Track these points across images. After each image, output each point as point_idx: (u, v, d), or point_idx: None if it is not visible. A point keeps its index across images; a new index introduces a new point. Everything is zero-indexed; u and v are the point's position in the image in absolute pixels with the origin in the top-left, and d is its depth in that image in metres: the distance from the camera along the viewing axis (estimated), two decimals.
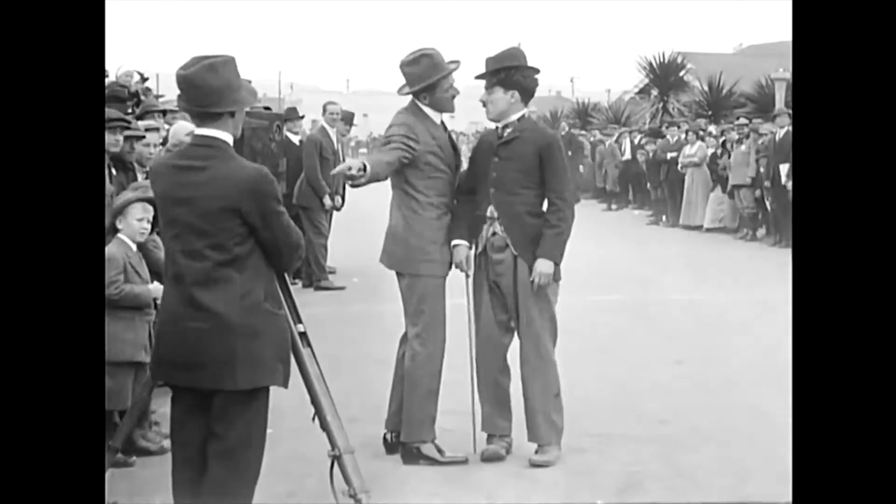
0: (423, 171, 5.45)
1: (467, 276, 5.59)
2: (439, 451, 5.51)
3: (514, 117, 5.53)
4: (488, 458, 5.53)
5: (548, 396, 5.51)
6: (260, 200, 3.67)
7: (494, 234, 5.52)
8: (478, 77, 5.59)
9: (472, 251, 5.56)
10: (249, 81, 4.14)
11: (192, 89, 3.73)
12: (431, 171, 5.46)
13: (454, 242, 5.55)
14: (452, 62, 5.57)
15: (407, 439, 5.49)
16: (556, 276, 5.49)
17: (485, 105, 5.58)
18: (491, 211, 5.51)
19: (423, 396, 5.46)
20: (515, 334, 5.63)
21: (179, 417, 3.92)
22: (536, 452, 5.51)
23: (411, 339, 5.51)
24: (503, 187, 5.49)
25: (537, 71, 5.60)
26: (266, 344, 3.71)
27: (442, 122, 5.62)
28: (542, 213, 5.49)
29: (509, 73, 5.48)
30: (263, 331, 3.71)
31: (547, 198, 5.50)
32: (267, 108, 9.34)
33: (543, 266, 5.40)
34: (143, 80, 13.35)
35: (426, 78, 5.47)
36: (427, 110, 5.55)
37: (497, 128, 5.60)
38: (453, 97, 5.58)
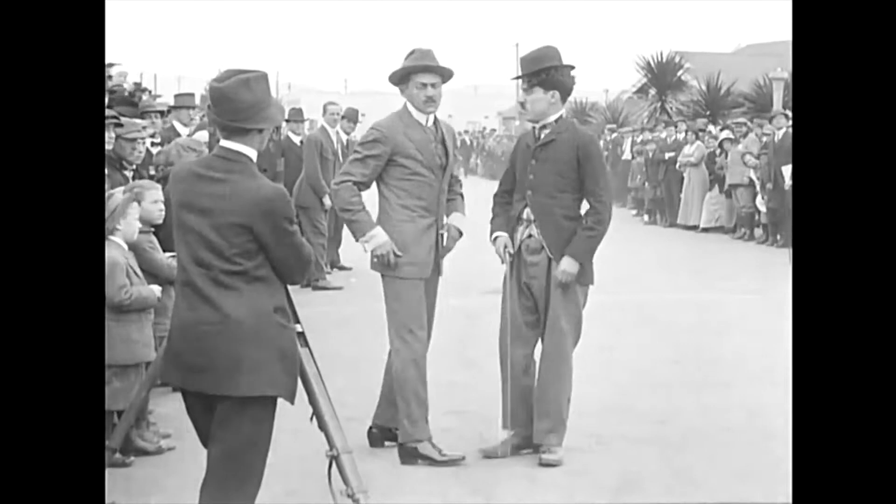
0: (397, 173, 5.46)
1: (503, 262, 5.57)
2: (437, 450, 5.51)
3: (552, 118, 5.50)
4: (487, 455, 5.55)
5: (562, 399, 5.51)
6: (274, 221, 3.67)
7: (530, 235, 5.53)
8: (515, 78, 5.60)
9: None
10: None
11: (224, 102, 3.70)
12: (407, 173, 5.45)
13: (494, 234, 5.60)
14: (445, 67, 5.51)
15: (404, 440, 5.50)
16: (586, 280, 5.51)
17: (523, 106, 5.57)
18: (527, 213, 5.52)
19: (411, 396, 5.46)
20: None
21: (201, 423, 3.89)
22: (544, 452, 5.50)
23: (391, 338, 5.54)
24: (540, 190, 5.49)
25: (573, 69, 5.58)
26: (272, 353, 3.70)
27: (435, 123, 5.58)
28: (579, 217, 5.48)
29: (549, 73, 5.44)
30: (271, 340, 3.70)
31: (586, 200, 5.48)
32: None
33: (568, 264, 5.41)
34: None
35: (404, 68, 5.49)
36: (412, 110, 5.54)
37: (534, 129, 5.57)
38: (427, 99, 5.47)
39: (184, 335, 3.76)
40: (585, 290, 5.56)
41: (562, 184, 5.45)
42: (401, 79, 5.51)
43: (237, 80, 3.69)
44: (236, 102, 3.68)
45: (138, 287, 5.39)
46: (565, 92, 5.51)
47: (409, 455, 5.48)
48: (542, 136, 5.51)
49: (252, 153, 3.75)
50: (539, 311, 5.56)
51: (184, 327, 3.76)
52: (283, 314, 3.78)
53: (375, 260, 5.49)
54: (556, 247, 5.45)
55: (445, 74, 5.53)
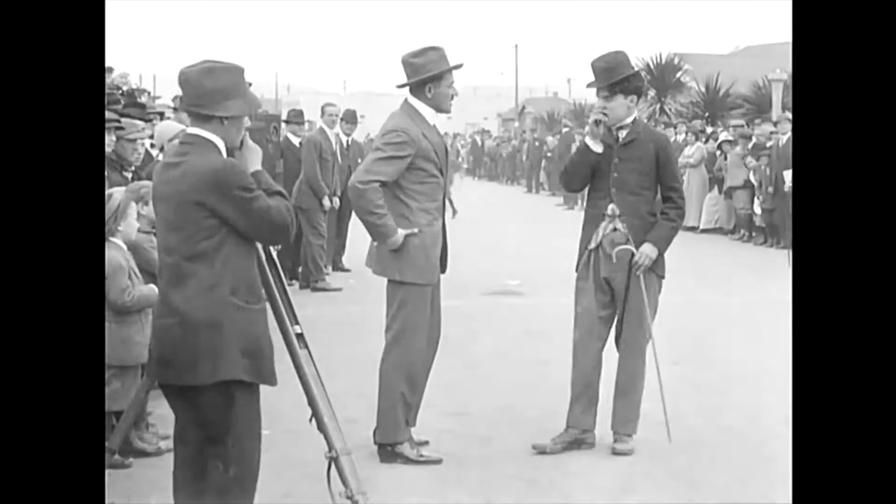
0: (416, 176, 5.40)
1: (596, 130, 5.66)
2: (415, 450, 5.51)
3: (629, 120, 5.71)
4: (539, 450, 5.67)
5: (641, 390, 5.79)
6: (225, 192, 3.67)
7: (615, 229, 5.67)
8: (591, 85, 5.73)
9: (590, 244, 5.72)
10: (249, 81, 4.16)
11: (187, 87, 3.79)
12: (425, 176, 5.42)
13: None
14: (456, 65, 5.55)
15: (382, 440, 5.50)
16: (662, 271, 5.74)
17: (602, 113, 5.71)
18: (612, 209, 5.68)
19: (396, 400, 5.45)
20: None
21: (177, 415, 3.94)
22: (617, 441, 5.71)
23: (387, 343, 5.52)
24: (625, 187, 5.67)
25: (641, 71, 5.84)
26: (229, 337, 3.69)
27: (433, 125, 5.57)
28: (656, 212, 5.73)
29: (629, 80, 5.69)
30: (227, 324, 3.70)
31: (665, 195, 5.75)
32: (264, 111, 9.33)
33: (650, 249, 5.62)
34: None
35: (434, 69, 5.43)
36: (423, 110, 5.48)
37: (611, 130, 5.70)
38: (452, 97, 5.55)
39: (155, 329, 3.87)
40: (661, 282, 5.77)
41: (644, 181, 5.69)
42: (431, 79, 5.44)
43: (202, 66, 3.78)
44: (197, 88, 3.75)
45: (139, 287, 5.41)
46: (641, 94, 5.85)
47: (388, 455, 5.47)
48: (622, 136, 5.69)
49: (214, 139, 3.77)
50: (615, 305, 5.73)
51: (154, 321, 3.89)
52: (247, 292, 3.77)
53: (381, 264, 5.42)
54: (641, 239, 5.65)
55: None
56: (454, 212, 11.88)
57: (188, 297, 3.69)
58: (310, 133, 12.35)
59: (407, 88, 5.51)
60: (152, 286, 5.50)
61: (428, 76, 5.42)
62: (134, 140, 6.92)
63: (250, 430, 3.82)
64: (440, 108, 5.53)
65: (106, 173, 6.49)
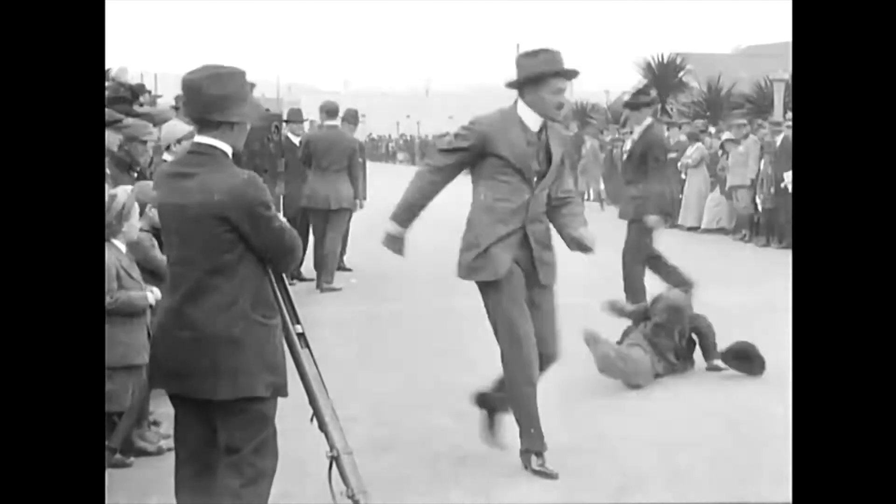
0: (486, 171, 5.27)
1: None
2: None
3: None
4: None
5: None
6: (248, 208, 3.64)
7: None
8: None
9: None
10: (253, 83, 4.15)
11: (193, 95, 3.73)
12: (495, 173, 5.24)
13: None
14: (573, 70, 5.28)
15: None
16: None
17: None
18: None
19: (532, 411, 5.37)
20: None
21: (179, 418, 3.94)
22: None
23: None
24: None
25: None
26: (250, 354, 3.69)
27: (542, 128, 5.29)
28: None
29: None
30: (248, 341, 3.69)
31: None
32: (266, 110, 9.32)
33: None
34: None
35: (535, 70, 5.17)
36: (522, 112, 5.25)
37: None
38: (559, 105, 5.26)
39: (165, 338, 3.78)
40: None
41: None
42: (531, 80, 5.19)
43: (207, 73, 3.71)
44: (205, 95, 3.69)
45: (127, 292, 5.36)
46: None
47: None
48: None
49: (225, 147, 3.74)
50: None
51: (165, 330, 3.79)
52: (265, 307, 3.76)
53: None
54: None
55: (571, 78, 5.37)
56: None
57: (208, 312, 3.66)
58: (351, 136, 12.09)
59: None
60: (146, 293, 5.46)
61: (525, 77, 5.19)
62: (145, 142, 6.93)
63: (267, 440, 3.83)
64: (542, 113, 5.26)
65: (115, 173, 6.51)
